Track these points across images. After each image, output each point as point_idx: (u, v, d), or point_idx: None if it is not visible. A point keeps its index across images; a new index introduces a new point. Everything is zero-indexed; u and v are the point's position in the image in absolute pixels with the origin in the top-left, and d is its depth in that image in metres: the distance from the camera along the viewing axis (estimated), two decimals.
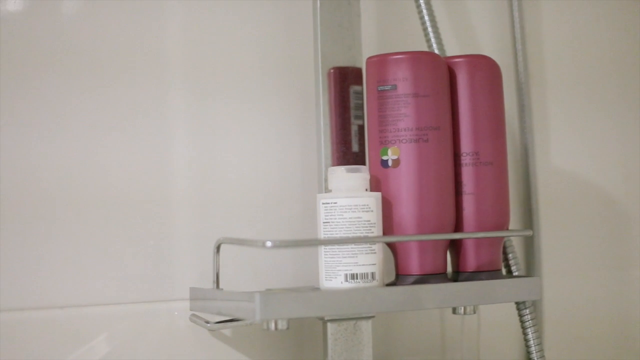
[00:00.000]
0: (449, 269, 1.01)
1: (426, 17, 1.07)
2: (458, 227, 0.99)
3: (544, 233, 1.22)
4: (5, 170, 0.91)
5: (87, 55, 0.96)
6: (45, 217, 0.93)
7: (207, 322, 0.97)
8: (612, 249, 1.31)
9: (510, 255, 1.05)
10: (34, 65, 0.94)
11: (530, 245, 1.20)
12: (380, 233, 0.95)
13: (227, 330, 1.01)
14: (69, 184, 0.94)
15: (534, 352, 1.04)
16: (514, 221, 1.16)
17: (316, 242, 0.96)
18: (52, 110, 0.94)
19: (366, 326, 1.00)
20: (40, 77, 0.94)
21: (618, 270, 1.32)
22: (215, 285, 0.95)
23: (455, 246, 1.00)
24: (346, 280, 0.94)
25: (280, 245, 0.89)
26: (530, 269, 1.20)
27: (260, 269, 1.03)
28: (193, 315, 0.99)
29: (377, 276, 0.95)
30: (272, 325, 0.90)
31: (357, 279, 0.94)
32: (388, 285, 0.97)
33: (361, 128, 1.02)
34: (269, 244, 0.87)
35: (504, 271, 1.04)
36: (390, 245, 0.98)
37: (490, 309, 1.17)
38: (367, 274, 0.94)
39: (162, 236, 0.99)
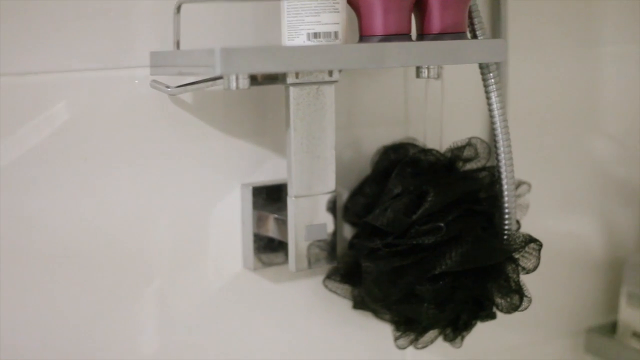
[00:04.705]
0: (414, 33, 1.00)
1: None
2: None
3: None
4: None
5: None
6: None
7: (168, 87, 0.96)
8: (581, 24, 1.31)
9: (475, 20, 1.02)
10: None
11: (496, 11, 1.19)
12: None
13: (187, 96, 1.00)
14: None
15: (497, 115, 1.04)
16: None
17: None
18: None
19: (329, 91, 0.98)
20: None
21: (588, 47, 1.32)
22: (175, 46, 0.94)
23: (420, 8, 0.98)
24: (309, 40, 0.92)
25: None
26: (496, 35, 1.18)
27: (221, 34, 1.01)
28: (154, 81, 0.97)
29: (340, 35, 0.93)
30: (234, 84, 0.88)
31: (319, 37, 0.92)
32: None
33: None
34: None
35: (469, 36, 1.03)
36: (354, 6, 0.96)
37: (453, 76, 1.17)
38: (330, 32, 0.92)
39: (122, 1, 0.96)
